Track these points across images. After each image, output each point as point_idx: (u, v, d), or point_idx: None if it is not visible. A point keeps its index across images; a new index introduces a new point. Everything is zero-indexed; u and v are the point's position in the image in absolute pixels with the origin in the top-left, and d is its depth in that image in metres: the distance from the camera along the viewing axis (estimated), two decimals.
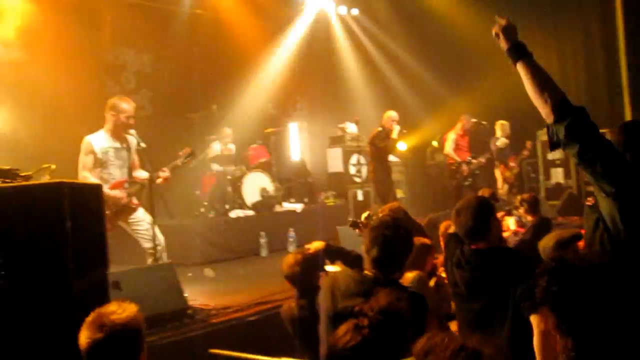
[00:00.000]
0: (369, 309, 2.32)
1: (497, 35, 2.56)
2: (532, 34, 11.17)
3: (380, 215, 4.08)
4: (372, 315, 2.28)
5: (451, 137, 9.39)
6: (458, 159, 9.20)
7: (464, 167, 9.12)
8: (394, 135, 8.30)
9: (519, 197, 6.48)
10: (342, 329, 2.33)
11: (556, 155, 10.79)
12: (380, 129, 8.43)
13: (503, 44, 2.53)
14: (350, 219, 5.48)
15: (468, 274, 3.13)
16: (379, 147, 8.36)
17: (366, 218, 4.49)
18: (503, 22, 2.54)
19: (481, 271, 3.09)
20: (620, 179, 2.31)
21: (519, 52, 2.46)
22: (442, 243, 4.62)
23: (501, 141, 9.57)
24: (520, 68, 2.44)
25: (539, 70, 2.42)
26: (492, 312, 3.02)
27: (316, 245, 3.87)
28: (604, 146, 2.34)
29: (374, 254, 2.90)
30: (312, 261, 3.75)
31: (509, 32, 2.52)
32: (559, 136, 2.33)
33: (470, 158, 9.32)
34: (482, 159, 9.34)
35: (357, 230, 4.53)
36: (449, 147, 9.38)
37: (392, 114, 8.49)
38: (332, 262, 3.87)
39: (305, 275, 3.64)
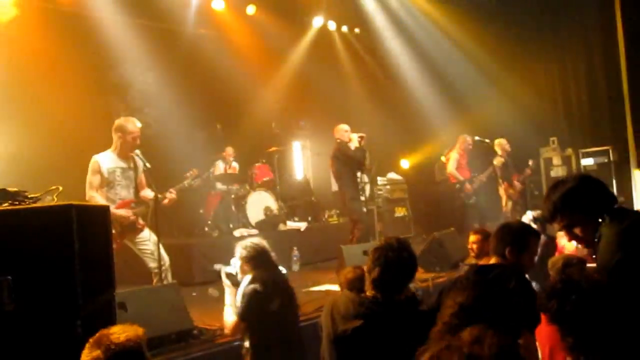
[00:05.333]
0: None
1: None
2: (533, 49, 11.25)
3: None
4: None
5: (454, 156, 9.42)
6: (461, 178, 9.21)
7: (467, 186, 9.12)
8: (355, 144, 7.67)
9: None
10: None
11: (559, 172, 10.80)
12: (339, 140, 7.81)
13: None
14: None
15: None
16: (349, 156, 7.69)
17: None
18: None
19: None
20: None
21: None
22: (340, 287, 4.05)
23: (497, 159, 9.55)
24: None
25: None
26: None
27: None
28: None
29: (375, 275, 2.89)
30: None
31: None
32: None
33: (472, 177, 9.32)
34: (483, 177, 9.34)
35: None
36: (451, 167, 9.39)
37: (344, 126, 7.87)
38: None
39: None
